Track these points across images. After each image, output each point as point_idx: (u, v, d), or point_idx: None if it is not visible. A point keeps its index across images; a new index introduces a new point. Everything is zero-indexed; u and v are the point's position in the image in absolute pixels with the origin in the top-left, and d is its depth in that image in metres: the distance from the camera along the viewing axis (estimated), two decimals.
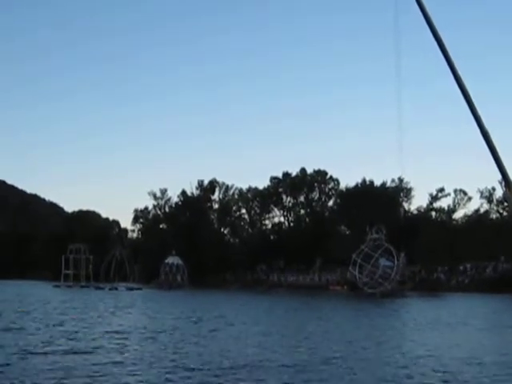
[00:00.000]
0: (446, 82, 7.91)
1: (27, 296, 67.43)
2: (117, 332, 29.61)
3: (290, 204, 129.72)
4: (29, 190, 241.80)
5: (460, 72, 7.63)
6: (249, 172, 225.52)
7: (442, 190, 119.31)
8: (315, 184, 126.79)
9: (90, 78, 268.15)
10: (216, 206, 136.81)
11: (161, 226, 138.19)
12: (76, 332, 29.44)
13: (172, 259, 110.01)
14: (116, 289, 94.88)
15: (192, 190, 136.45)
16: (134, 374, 17.82)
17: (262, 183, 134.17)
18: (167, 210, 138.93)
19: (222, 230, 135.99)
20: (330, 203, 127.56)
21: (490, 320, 43.54)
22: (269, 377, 17.85)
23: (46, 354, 21.43)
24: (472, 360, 21.99)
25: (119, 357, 21.21)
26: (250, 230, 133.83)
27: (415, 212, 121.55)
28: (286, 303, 64.99)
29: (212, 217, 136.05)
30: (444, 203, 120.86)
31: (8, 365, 18.76)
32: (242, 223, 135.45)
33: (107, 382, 16.64)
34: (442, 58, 7.72)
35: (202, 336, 28.79)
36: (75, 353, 21.85)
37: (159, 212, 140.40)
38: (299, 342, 27.34)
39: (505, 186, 7.75)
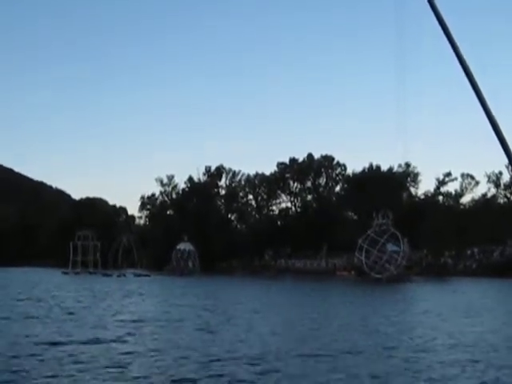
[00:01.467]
0: (453, 68, 7.90)
1: (38, 283, 67.56)
2: (137, 321, 29.12)
3: (297, 190, 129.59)
4: (36, 178, 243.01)
5: (466, 59, 7.64)
6: (256, 158, 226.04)
7: (449, 174, 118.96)
8: (322, 169, 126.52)
9: (97, 64, 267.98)
10: (223, 192, 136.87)
11: (168, 213, 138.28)
12: (96, 320, 28.98)
13: (184, 245, 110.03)
14: (124, 275, 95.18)
15: (199, 176, 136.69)
16: (158, 366, 17.38)
17: (269, 169, 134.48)
18: (174, 196, 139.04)
19: (229, 216, 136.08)
20: (337, 189, 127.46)
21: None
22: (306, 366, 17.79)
23: (65, 343, 21.08)
24: None
25: (143, 347, 20.80)
26: (257, 215, 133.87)
27: (422, 197, 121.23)
28: (299, 290, 64.56)
29: (219, 203, 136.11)
30: (451, 188, 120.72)
31: (32, 355, 18.48)
32: (249, 209, 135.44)
33: (129, 372, 16.40)
34: (447, 44, 7.72)
35: (220, 325, 27.95)
36: (97, 343, 21.48)
37: (166, 198, 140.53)
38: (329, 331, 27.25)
39: (511, 171, 7.74)
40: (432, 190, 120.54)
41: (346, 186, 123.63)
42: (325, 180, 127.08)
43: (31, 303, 39.33)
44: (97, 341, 21.93)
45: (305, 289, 65.23)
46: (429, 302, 44.65)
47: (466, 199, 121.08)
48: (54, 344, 20.82)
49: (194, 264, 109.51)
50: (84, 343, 21.24)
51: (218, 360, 18.12)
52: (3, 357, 18.12)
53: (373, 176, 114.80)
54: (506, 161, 7.92)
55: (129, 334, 24.29)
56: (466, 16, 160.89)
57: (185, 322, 28.88)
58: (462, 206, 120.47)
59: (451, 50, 7.77)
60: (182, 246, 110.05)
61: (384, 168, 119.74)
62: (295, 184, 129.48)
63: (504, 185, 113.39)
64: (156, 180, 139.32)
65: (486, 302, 44.45)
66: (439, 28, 7.82)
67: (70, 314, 32.18)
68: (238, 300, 44.38)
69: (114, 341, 22.02)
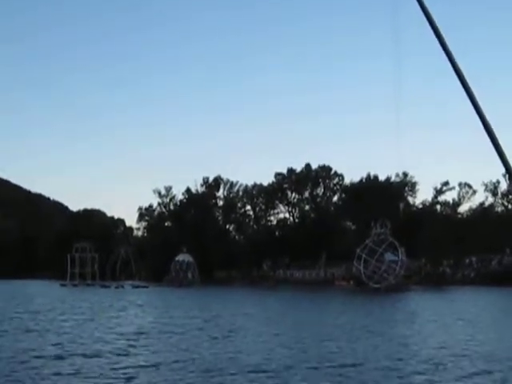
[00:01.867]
0: (452, 78, 7.96)
1: (36, 296, 67.36)
2: (138, 333, 28.90)
3: (295, 200, 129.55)
4: (33, 190, 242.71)
5: (462, 68, 7.71)
6: (253, 169, 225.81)
7: (446, 183, 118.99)
8: (320, 180, 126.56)
9: (94, 77, 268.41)
10: (221, 202, 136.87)
11: (166, 224, 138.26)
12: (97, 334, 28.78)
13: (182, 256, 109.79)
14: (122, 287, 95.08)
15: (197, 187, 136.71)
16: (163, 379, 17.28)
17: (267, 179, 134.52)
18: (172, 207, 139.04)
19: (227, 226, 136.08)
20: (335, 199, 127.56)
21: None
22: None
23: (65, 357, 20.85)
24: None
25: (146, 359, 20.66)
26: (255, 226, 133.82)
27: (420, 206, 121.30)
28: (299, 301, 64.26)
29: (217, 214, 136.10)
30: (449, 197, 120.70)
31: (33, 369, 18.39)
32: (247, 220, 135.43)
33: None
34: (444, 56, 7.80)
35: (224, 337, 27.71)
36: (98, 356, 21.25)
37: (164, 210, 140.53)
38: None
39: (508, 179, 7.82)
40: (430, 199, 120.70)
41: (343, 195, 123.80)
42: (322, 190, 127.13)
43: (29, 316, 38.99)
44: (99, 353, 21.65)
45: (304, 299, 65.05)
46: (429, 312, 44.61)
47: (463, 208, 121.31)
48: (58, 358, 20.56)
49: (194, 275, 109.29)
50: (86, 356, 20.99)
51: (222, 372, 18.00)
52: (3, 371, 17.94)
53: (370, 186, 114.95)
54: (503, 170, 7.96)
55: (131, 346, 24.12)
56: (462, 27, 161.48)
57: (186, 334, 28.59)
58: (459, 215, 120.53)
59: (448, 62, 7.85)
60: (180, 257, 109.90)
61: (382, 178, 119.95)
62: (293, 194, 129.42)
63: (501, 193, 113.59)
64: (154, 191, 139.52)
65: (489, 311, 44.45)
66: (436, 40, 7.90)
67: (69, 327, 31.89)
68: (239, 311, 44.15)
69: (117, 354, 21.72)
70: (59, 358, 20.82)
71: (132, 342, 25.29)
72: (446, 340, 26.39)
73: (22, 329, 30.72)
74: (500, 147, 7.49)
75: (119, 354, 21.74)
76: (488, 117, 7.47)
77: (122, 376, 17.44)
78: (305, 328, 31.53)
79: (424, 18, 8.12)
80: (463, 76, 7.75)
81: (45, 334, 28.41)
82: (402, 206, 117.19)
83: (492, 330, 30.96)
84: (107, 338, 26.79)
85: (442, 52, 7.79)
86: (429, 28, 7.94)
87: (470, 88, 7.72)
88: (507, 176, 7.92)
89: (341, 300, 63.79)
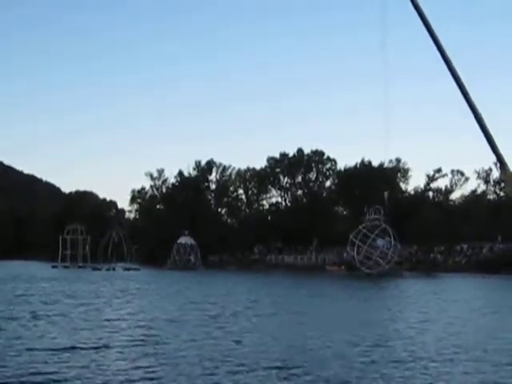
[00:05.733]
0: (443, 65, 7.85)
1: (30, 278, 66.42)
2: (147, 320, 27.38)
3: (288, 184, 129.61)
4: (26, 171, 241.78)
5: (451, 57, 7.62)
6: (246, 152, 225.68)
7: (439, 170, 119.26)
8: (312, 164, 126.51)
9: (88, 67, 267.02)
10: (213, 186, 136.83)
11: (158, 207, 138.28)
12: (105, 321, 27.04)
13: (184, 239, 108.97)
14: (113, 269, 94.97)
15: (189, 170, 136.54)
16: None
17: (260, 164, 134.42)
18: (164, 190, 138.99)
19: (220, 210, 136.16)
20: (328, 184, 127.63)
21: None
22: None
23: (77, 348, 19.42)
24: None
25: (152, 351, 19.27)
26: (247, 210, 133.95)
27: (412, 192, 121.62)
28: (298, 285, 64.03)
29: (209, 197, 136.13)
30: (441, 184, 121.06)
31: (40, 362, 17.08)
32: (240, 204, 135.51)
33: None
34: (433, 46, 7.69)
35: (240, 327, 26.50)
36: (107, 347, 19.76)
37: (156, 192, 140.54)
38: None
39: (499, 167, 7.73)
40: (422, 185, 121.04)
41: (336, 181, 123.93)
42: (315, 175, 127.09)
43: (19, 300, 36.94)
44: (108, 345, 20.21)
45: (303, 284, 64.91)
46: (427, 297, 45.04)
47: (455, 195, 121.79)
48: (65, 349, 19.14)
49: (196, 258, 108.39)
50: (97, 348, 19.60)
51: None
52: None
53: (363, 171, 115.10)
54: (494, 158, 7.89)
55: (145, 335, 22.81)
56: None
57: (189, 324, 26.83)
58: (451, 202, 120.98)
59: (436, 52, 7.76)
60: (182, 239, 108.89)
61: (375, 164, 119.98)
62: (285, 179, 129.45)
63: (493, 181, 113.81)
64: (146, 174, 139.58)
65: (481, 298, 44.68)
66: (423, 26, 7.80)
67: (68, 315, 29.39)
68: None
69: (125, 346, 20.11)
70: (68, 349, 20.32)
71: (144, 331, 24.61)
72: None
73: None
74: (491, 137, 7.41)
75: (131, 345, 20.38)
76: (479, 108, 7.41)
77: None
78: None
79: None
80: (453, 67, 7.68)
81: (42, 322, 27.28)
82: (394, 192, 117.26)
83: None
84: (118, 326, 25.37)
85: (432, 43, 7.71)
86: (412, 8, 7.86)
87: (460, 79, 7.64)
88: (498, 164, 7.85)
89: (338, 285, 63.49)
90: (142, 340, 21.49)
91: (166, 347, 20.05)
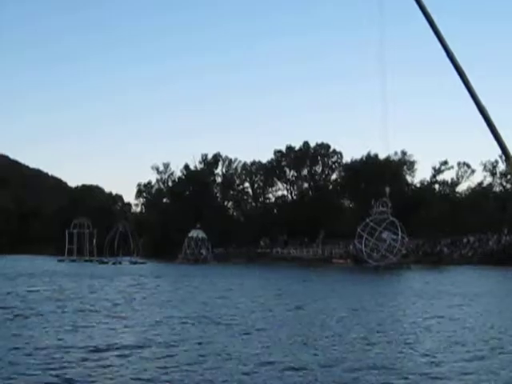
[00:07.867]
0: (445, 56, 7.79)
1: (39, 272, 65.99)
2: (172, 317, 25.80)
3: (293, 177, 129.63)
4: (31, 165, 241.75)
5: (453, 49, 7.56)
6: (252, 146, 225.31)
7: (445, 162, 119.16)
8: (318, 157, 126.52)
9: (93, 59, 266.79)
10: (219, 179, 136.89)
11: (164, 200, 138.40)
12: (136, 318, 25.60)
13: (196, 232, 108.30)
14: (120, 263, 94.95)
15: (195, 163, 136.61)
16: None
17: (266, 157, 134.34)
18: (170, 184, 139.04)
19: (226, 203, 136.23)
20: (334, 177, 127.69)
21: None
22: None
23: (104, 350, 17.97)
24: None
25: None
26: (253, 203, 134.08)
27: (418, 185, 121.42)
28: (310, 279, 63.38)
29: (215, 190, 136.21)
30: (447, 176, 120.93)
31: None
32: (246, 197, 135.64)
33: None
34: (434, 38, 7.63)
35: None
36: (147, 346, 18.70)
37: (162, 186, 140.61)
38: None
39: (505, 161, 7.67)
40: (428, 178, 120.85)
41: (342, 174, 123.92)
42: (321, 168, 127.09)
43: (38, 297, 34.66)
44: (148, 343, 19.15)
45: (312, 277, 64.52)
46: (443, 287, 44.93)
47: (462, 187, 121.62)
48: (96, 351, 17.75)
49: (207, 251, 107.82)
50: (130, 347, 18.29)
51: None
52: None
53: (369, 164, 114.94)
54: (499, 151, 7.83)
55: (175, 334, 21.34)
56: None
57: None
58: (458, 195, 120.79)
59: (438, 44, 7.69)
60: (194, 233, 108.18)
61: (381, 156, 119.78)
62: (291, 172, 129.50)
63: (500, 173, 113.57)
64: (152, 167, 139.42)
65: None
66: (424, 18, 7.73)
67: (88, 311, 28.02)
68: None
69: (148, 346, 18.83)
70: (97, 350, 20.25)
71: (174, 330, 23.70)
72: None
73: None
74: (495, 129, 7.34)
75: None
76: (482, 97, 7.34)
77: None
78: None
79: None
80: (455, 58, 7.62)
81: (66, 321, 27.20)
82: (401, 185, 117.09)
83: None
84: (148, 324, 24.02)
85: (432, 32, 7.64)
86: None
87: (463, 72, 7.58)
88: (504, 157, 7.79)
89: (350, 278, 63.15)
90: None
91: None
